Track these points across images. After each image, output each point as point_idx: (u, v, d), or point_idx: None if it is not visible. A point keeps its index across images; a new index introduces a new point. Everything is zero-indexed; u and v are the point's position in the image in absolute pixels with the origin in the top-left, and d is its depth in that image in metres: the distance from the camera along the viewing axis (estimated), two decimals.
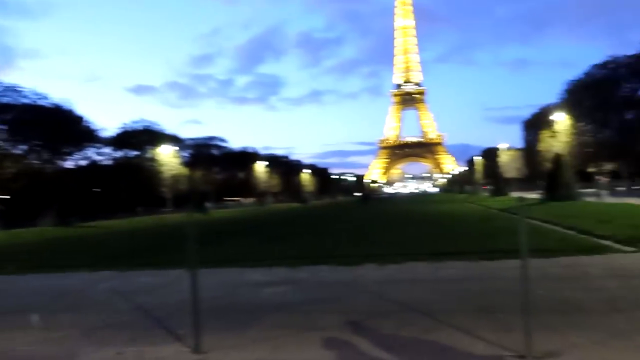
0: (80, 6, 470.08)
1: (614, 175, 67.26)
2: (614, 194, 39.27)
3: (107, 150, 63.22)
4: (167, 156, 65.20)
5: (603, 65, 51.51)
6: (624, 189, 53.26)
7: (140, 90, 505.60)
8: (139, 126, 68.29)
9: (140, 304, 7.98)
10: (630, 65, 48.25)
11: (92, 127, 56.98)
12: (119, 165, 63.63)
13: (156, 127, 69.80)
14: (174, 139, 72.25)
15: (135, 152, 67.86)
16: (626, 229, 14.25)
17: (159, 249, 17.37)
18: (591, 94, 50.55)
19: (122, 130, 67.01)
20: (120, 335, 6.16)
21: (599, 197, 33.25)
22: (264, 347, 5.34)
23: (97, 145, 59.64)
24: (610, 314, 5.78)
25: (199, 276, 7.37)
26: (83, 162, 57.24)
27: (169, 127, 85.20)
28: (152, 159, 65.24)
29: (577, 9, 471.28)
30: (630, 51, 50.00)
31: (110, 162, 63.75)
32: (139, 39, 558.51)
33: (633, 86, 49.67)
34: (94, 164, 59.06)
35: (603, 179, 54.68)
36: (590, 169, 60.27)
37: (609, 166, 62.10)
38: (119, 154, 66.50)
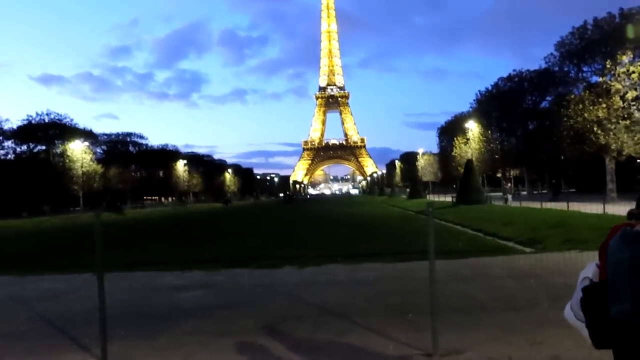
0: None
1: (518, 180, 72.82)
2: (518, 198, 42.44)
3: (8, 143, 58.31)
4: (78, 152, 61.14)
5: (509, 79, 55.59)
6: (525, 193, 57.69)
7: (48, 79, 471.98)
8: (47, 118, 63.42)
9: (41, 311, 7.42)
10: (532, 79, 52.45)
11: None
12: (23, 160, 58.72)
13: (66, 120, 65.20)
14: (86, 134, 67.93)
15: (42, 147, 62.97)
16: (526, 231, 15.46)
17: (65, 251, 16.23)
18: (498, 105, 54.36)
19: (27, 122, 61.88)
20: (18, 347, 5.68)
21: (507, 201, 35.77)
22: (175, 355, 5.17)
23: None
24: (508, 312, 6.23)
25: (110, 280, 7.00)
26: None
27: (81, 121, 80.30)
28: (62, 155, 60.86)
29: (488, 25, 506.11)
30: (534, 66, 54.39)
31: (12, 157, 58.72)
32: (47, 24, 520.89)
33: (535, 99, 54.01)
34: None
35: (508, 184, 58.94)
36: (498, 174, 64.79)
37: (514, 172, 67.11)
38: (22, 148, 61.48)
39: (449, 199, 43.84)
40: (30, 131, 61.29)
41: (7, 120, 56.90)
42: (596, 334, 2.38)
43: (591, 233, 13.09)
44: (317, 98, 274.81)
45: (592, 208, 20.68)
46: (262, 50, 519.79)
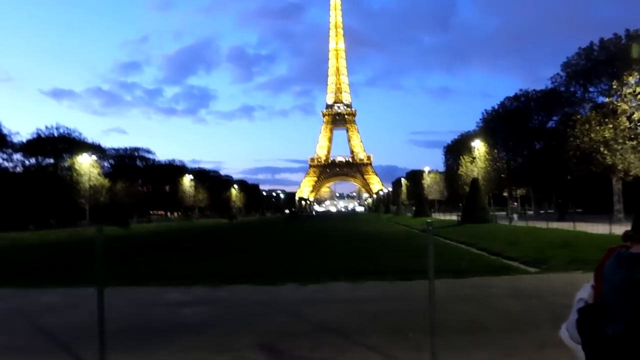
0: None
1: (525, 200, 72.39)
2: (524, 217, 42.18)
3: (17, 156, 58.90)
4: (86, 165, 61.62)
5: (515, 98, 55.74)
6: (532, 212, 57.33)
7: (58, 94, 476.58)
8: (56, 132, 64.17)
9: (42, 325, 7.42)
10: (539, 99, 52.57)
11: (4, 131, 53.09)
12: (31, 173, 59.23)
13: (75, 134, 65.94)
14: (94, 148, 68.53)
15: (51, 160, 63.57)
16: (532, 251, 15.34)
17: (68, 265, 16.27)
18: (505, 124, 54.40)
19: (36, 135, 62.58)
20: None
21: (512, 220, 35.61)
22: None
23: (7, 150, 55.48)
24: (511, 332, 6.17)
25: (112, 295, 7.01)
26: None
27: (90, 135, 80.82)
28: (70, 168, 61.35)
29: (495, 45, 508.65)
30: (540, 86, 54.52)
31: (20, 170, 59.28)
32: (58, 40, 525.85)
33: (541, 119, 54.04)
34: (1, 171, 54.64)
35: (514, 204, 58.63)
36: (504, 194, 64.49)
37: (520, 191, 66.78)
38: (31, 161, 62.09)
39: (454, 217, 43.65)
40: (39, 145, 61.93)
41: (17, 133, 57.18)
42: (592, 356, 2.37)
43: (597, 254, 12.92)
44: (324, 115, 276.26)
45: (599, 229, 20.53)
46: (270, 67, 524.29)
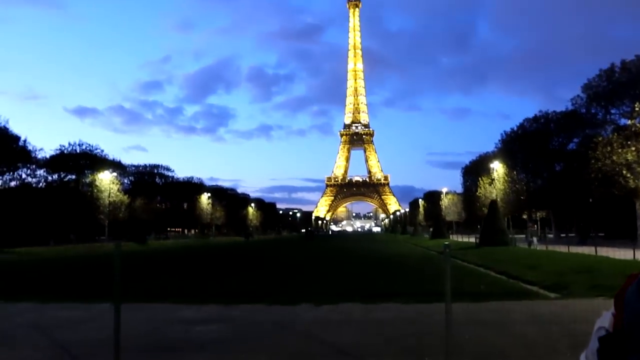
0: (21, 21, 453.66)
1: (545, 223, 71.06)
2: (544, 241, 41.39)
3: (41, 172, 60.12)
4: (106, 182, 62.62)
5: (535, 120, 55.19)
6: (552, 236, 56.25)
7: (81, 112, 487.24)
8: (78, 149, 65.58)
9: (59, 339, 7.49)
10: (558, 120, 51.99)
11: (28, 147, 54.38)
12: (53, 188, 60.38)
13: (96, 151, 67.26)
14: (115, 165, 69.72)
15: (72, 176, 64.81)
16: (552, 275, 15.02)
17: (86, 280, 16.44)
18: (524, 146, 53.82)
19: (59, 152, 64.01)
20: None
21: (532, 244, 34.97)
22: None
23: (31, 166, 56.67)
24: (528, 359, 6.01)
25: (128, 311, 7.06)
26: (13, 183, 54.13)
27: (111, 152, 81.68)
28: (91, 184, 62.43)
29: (513, 65, 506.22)
30: (560, 107, 53.93)
31: (43, 185, 60.44)
32: (83, 59, 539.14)
33: (561, 140, 53.34)
34: (25, 186, 55.78)
35: (534, 227, 57.52)
36: (524, 216, 63.46)
37: (540, 214, 65.62)
38: (54, 177, 63.33)
39: (472, 239, 43.05)
40: (62, 161, 63.22)
41: (41, 149, 58.48)
42: None
43: (619, 280, 12.46)
44: (341, 135, 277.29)
45: (622, 254, 20.04)
46: (288, 87, 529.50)
